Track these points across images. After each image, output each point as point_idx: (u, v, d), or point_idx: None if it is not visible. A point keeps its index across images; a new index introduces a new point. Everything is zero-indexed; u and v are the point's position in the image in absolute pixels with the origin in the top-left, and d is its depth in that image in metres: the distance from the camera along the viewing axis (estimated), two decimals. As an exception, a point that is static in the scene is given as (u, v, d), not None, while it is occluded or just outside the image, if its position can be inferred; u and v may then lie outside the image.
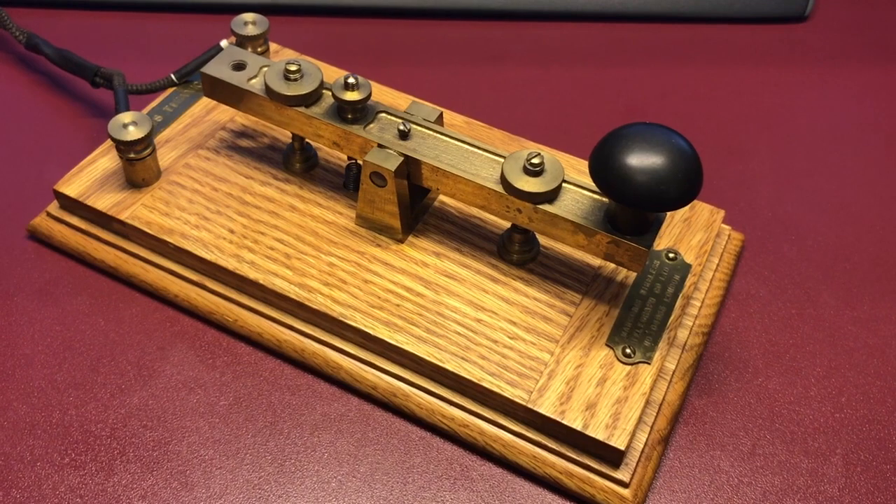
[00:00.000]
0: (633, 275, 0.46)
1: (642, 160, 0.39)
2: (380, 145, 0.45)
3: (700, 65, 0.63)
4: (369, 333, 0.43)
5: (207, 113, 0.53)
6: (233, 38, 0.54)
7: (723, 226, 0.50)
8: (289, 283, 0.45)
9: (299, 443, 0.43)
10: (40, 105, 0.57)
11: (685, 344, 0.45)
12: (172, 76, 0.53)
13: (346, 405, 0.44)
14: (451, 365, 0.42)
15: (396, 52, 0.63)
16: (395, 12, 0.65)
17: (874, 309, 0.49)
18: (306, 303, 0.44)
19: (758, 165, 0.57)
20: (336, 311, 0.44)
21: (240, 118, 0.52)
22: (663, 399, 0.43)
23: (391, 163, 0.44)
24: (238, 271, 0.45)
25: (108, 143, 0.50)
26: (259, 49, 0.53)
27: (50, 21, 0.62)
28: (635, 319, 0.44)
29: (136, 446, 0.42)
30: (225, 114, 0.52)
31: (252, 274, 0.45)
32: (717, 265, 0.49)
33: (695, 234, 0.48)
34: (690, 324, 0.46)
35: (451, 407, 0.43)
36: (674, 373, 0.44)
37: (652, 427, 0.42)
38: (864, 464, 0.43)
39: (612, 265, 0.46)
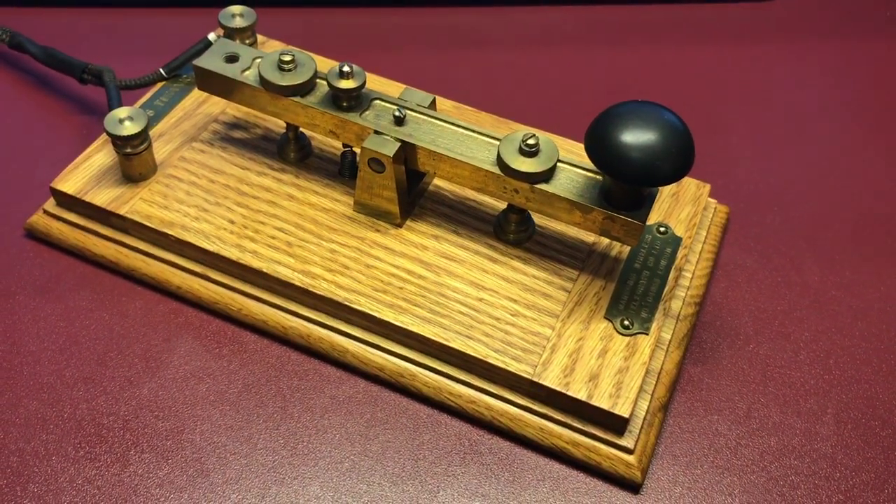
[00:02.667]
0: (627, 250, 0.48)
1: (637, 137, 0.40)
2: (376, 132, 0.46)
3: (677, 44, 0.65)
4: (375, 316, 0.44)
5: (199, 106, 0.53)
6: (220, 31, 0.55)
7: (709, 199, 0.52)
8: (292, 271, 0.46)
9: (310, 426, 0.44)
10: (27, 104, 0.57)
11: (679, 314, 0.47)
12: (161, 71, 0.54)
13: (354, 387, 0.45)
14: (457, 343, 0.43)
15: (378, 40, 0.64)
16: (375, 1, 0.65)
17: (856, 273, 0.51)
18: (311, 289, 0.45)
19: (738, 140, 0.58)
20: (341, 296, 0.45)
21: (231, 110, 0.53)
22: (661, 368, 0.45)
23: (389, 148, 0.45)
24: (241, 261, 0.46)
25: (103, 138, 0.51)
26: (247, 41, 0.54)
27: (28, 19, 0.62)
28: (631, 292, 0.46)
29: (149, 437, 0.43)
30: (216, 106, 0.53)
31: (255, 263, 0.46)
32: (705, 237, 0.51)
33: (683, 208, 0.50)
34: (683, 295, 0.48)
35: (458, 384, 0.44)
36: (670, 342, 0.46)
37: (652, 395, 0.44)
38: (854, 421, 0.45)
39: (606, 241, 0.48)
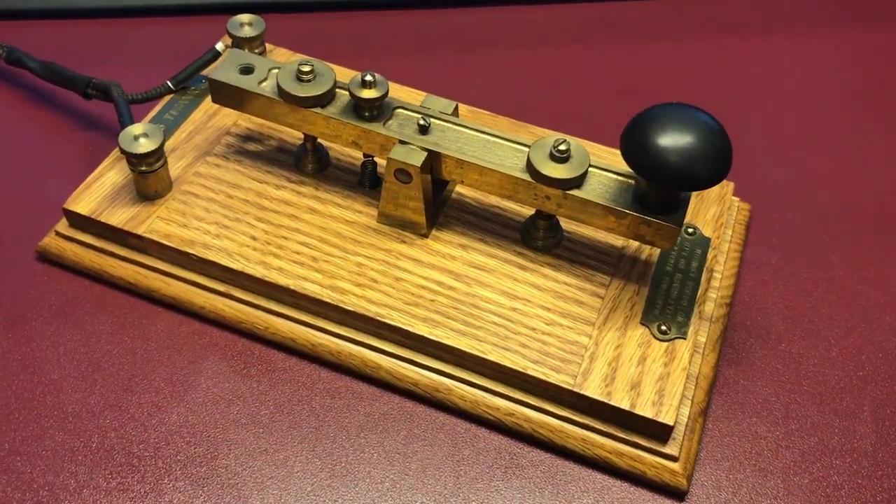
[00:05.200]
0: (657, 253, 0.47)
1: (676, 140, 0.39)
2: (401, 141, 0.45)
3: (684, 39, 0.64)
4: (408, 331, 0.43)
5: (209, 119, 0.52)
6: (228, 40, 0.53)
7: (731, 198, 0.52)
8: (320, 287, 0.44)
9: (347, 445, 0.43)
10: (29, 122, 0.55)
11: (712, 316, 0.46)
12: (169, 83, 0.52)
13: (388, 404, 0.44)
14: (494, 356, 0.43)
15: (382, 44, 0.62)
16: (376, 5, 0.64)
17: (881, 268, 0.51)
18: (340, 305, 0.44)
19: (753, 135, 0.58)
20: (372, 310, 0.44)
21: (243, 122, 0.51)
22: (699, 372, 0.44)
23: (416, 158, 0.44)
24: (267, 278, 0.45)
25: (114, 156, 0.49)
26: (256, 50, 0.53)
27: (22, 33, 0.60)
28: (665, 296, 0.45)
29: (182, 464, 0.42)
30: (228, 118, 0.52)
31: (282, 280, 0.45)
32: (731, 237, 0.50)
33: (709, 209, 0.49)
34: (714, 296, 0.47)
35: (495, 397, 0.43)
36: (705, 346, 0.45)
37: (692, 400, 0.43)
38: (891, 418, 0.45)
39: (635, 245, 0.47)
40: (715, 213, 0.49)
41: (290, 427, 0.43)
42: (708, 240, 0.48)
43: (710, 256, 0.47)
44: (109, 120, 0.54)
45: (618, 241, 0.47)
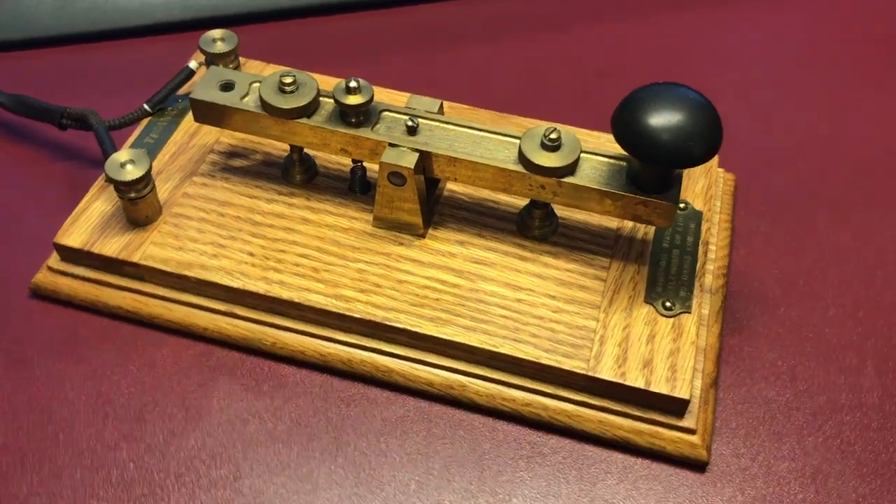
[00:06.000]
0: (652, 231, 0.47)
1: (668, 119, 0.40)
2: (391, 144, 0.45)
3: (647, 16, 0.65)
4: (417, 332, 0.43)
5: (191, 138, 0.51)
6: (200, 57, 0.53)
7: (717, 169, 0.52)
8: (324, 297, 0.44)
9: (368, 452, 0.43)
10: (3, 158, 0.54)
11: (711, 288, 0.47)
12: (146, 106, 0.52)
13: (404, 407, 0.44)
14: (506, 348, 0.43)
15: (348, 48, 0.62)
16: (338, 8, 0.64)
17: (866, 222, 0.52)
18: (347, 313, 0.44)
19: (729, 105, 0.59)
20: (379, 315, 0.44)
21: (226, 138, 0.51)
22: (706, 344, 0.45)
23: (408, 160, 0.44)
24: (270, 293, 0.44)
25: (98, 185, 0.49)
26: (231, 65, 0.52)
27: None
28: (665, 273, 0.46)
29: (205, 488, 0.41)
30: (209, 136, 0.51)
31: (285, 294, 0.44)
32: (720, 208, 0.51)
33: (697, 182, 0.50)
34: (712, 268, 0.48)
35: (510, 389, 0.44)
36: (708, 317, 0.46)
37: (703, 372, 0.44)
38: (894, 371, 0.46)
39: (630, 225, 0.48)
40: (704, 185, 0.50)
41: (309, 440, 0.43)
42: (700, 213, 0.49)
43: (703, 229, 0.48)
44: (86, 149, 0.54)
45: (612, 222, 0.48)
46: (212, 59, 0.51)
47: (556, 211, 0.48)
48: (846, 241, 0.51)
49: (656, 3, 0.66)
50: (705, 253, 0.47)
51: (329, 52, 0.61)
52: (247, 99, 0.46)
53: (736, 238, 0.52)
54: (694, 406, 0.43)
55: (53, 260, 0.47)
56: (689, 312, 0.44)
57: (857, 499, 0.42)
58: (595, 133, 0.51)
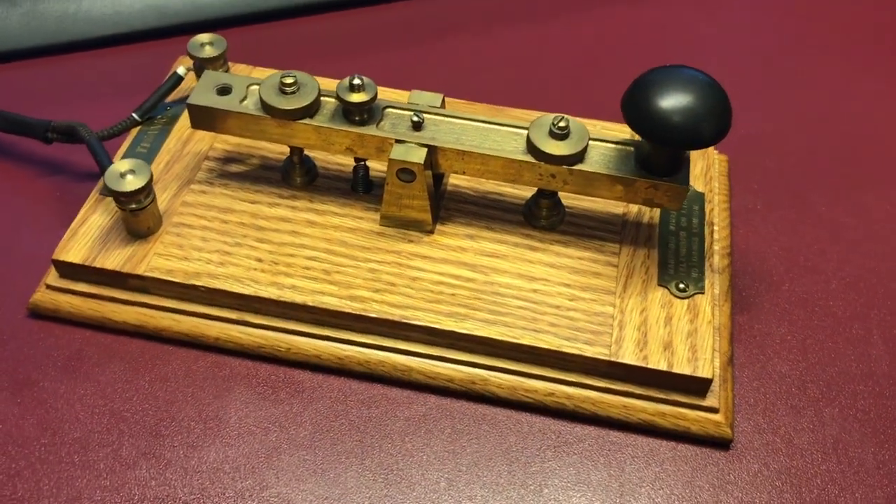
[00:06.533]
0: (657, 215, 0.48)
1: (679, 101, 0.40)
2: (398, 141, 0.44)
3: (631, 2, 0.65)
4: (436, 328, 0.43)
5: (184, 145, 0.50)
6: (187, 63, 0.51)
7: (712, 151, 0.53)
8: (338, 299, 0.44)
9: (394, 453, 0.42)
10: (-14, 175, 0.52)
11: (718, 267, 0.48)
12: (134, 115, 0.50)
13: (426, 404, 0.44)
14: (527, 339, 0.43)
15: (333, 46, 0.61)
16: (319, 7, 0.63)
17: (860, 196, 0.53)
18: (363, 314, 0.43)
19: (713, 88, 0.59)
20: (396, 314, 0.43)
21: (220, 144, 0.50)
22: (720, 323, 0.45)
23: (417, 156, 0.44)
24: (282, 298, 0.44)
25: (94, 198, 0.47)
26: (221, 69, 0.51)
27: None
28: (676, 255, 0.46)
29: (232, 500, 0.40)
30: (203, 142, 0.50)
31: (298, 298, 0.44)
32: (718, 188, 0.51)
33: (696, 164, 0.50)
34: (717, 248, 0.48)
35: (532, 380, 0.43)
36: (719, 297, 0.46)
37: (719, 351, 0.44)
38: (899, 338, 0.47)
39: (636, 210, 0.48)
40: (702, 167, 0.50)
41: (333, 444, 0.42)
42: (702, 195, 0.49)
43: (707, 210, 0.48)
44: (73, 162, 0.52)
45: (618, 208, 0.48)
46: (201, 64, 0.50)
47: (561, 200, 0.48)
48: (841, 217, 0.52)
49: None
50: (711, 233, 0.48)
51: (311, 53, 0.60)
52: (246, 102, 0.45)
53: (734, 218, 0.52)
54: (715, 385, 0.43)
55: (51, 277, 0.46)
56: (703, 293, 0.45)
57: (878, 464, 0.43)
58: (591, 121, 0.52)
